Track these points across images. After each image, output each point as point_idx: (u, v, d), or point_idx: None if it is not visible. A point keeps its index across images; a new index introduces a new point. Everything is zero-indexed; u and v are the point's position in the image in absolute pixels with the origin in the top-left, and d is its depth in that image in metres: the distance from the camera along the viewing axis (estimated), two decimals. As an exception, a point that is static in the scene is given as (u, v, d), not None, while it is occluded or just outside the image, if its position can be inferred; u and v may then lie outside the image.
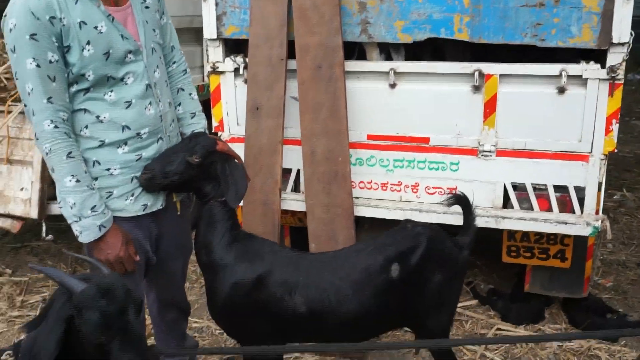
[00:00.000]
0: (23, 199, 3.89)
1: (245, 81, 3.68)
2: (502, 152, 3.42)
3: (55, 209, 3.91)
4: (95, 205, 2.28)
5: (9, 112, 3.92)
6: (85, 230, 2.29)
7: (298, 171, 3.71)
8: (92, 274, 1.88)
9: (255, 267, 2.44)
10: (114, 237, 2.32)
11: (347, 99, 3.49)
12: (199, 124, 2.70)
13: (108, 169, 2.36)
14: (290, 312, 2.41)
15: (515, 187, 3.43)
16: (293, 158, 3.65)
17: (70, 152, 2.24)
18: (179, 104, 2.67)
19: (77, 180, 2.25)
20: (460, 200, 2.68)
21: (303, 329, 2.44)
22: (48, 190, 3.90)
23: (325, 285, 2.42)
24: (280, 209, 3.56)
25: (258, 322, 2.46)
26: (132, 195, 2.41)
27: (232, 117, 3.78)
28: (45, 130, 2.20)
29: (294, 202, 3.66)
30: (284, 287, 2.41)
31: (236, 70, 3.72)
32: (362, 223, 3.76)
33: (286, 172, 3.70)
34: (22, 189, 3.90)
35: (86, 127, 2.31)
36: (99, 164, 2.35)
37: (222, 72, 3.76)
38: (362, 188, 3.66)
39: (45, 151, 2.24)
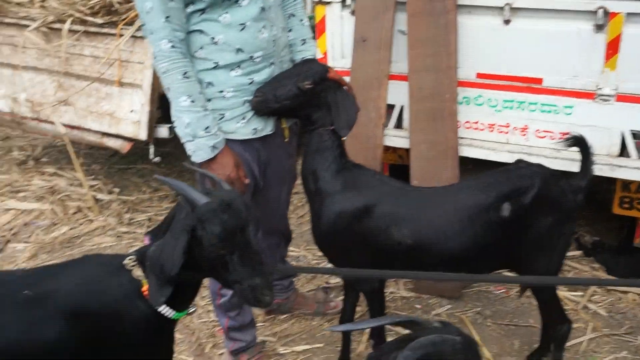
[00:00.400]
0: (133, 121, 4.04)
1: (353, 12, 3.61)
2: (623, 97, 3.19)
3: (162, 132, 4.05)
4: (208, 126, 2.33)
5: (121, 35, 4.04)
6: (198, 150, 2.35)
7: (401, 108, 3.64)
8: (214, 189, 1.93)
9: (363, 197, 2.43)
10: (226, 159, 2.37)
11: (458, 34, 3.35)
12: (309, 51, 2.68)
13: (221, 91, 2.39)
14: (394, 244, 2.40)
15: (634, 134, 3.23)
16: (397, 93, 3.58)
17: (186, 72, 2.28)
18: (290, 30, 2.65)
19: (192, 101, 2.30)
20: (579, 142, 2.54)
21: (405, 262, 2.43)
22: (156, 114, 4.03)
23: (433, 220, 2.39)
24: (382, 144, 3.52)
25: (361, 252, 2.48)
26: (244, 118, 2.44)
27: (336, 50, 3.74)
28: (163, 50, 2.25)
29: (396, 139, 3.62)
30: (390, 218, 2.40)
31: (343, 1, 3.65)
32: (465, 163, 3.67)
33: (389, 107, 3.64)
34: (132, 111, 4.05)
35: (201, 48, 2.34)
36: (213, 85, 2.38)
37: (328, 3, 3.69)
38: (467, 128, 3.55)
39: (162, 70, 2.29)
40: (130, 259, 1.97)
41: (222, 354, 3.03)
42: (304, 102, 2.44)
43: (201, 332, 3.23)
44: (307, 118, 2.51)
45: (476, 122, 3.52)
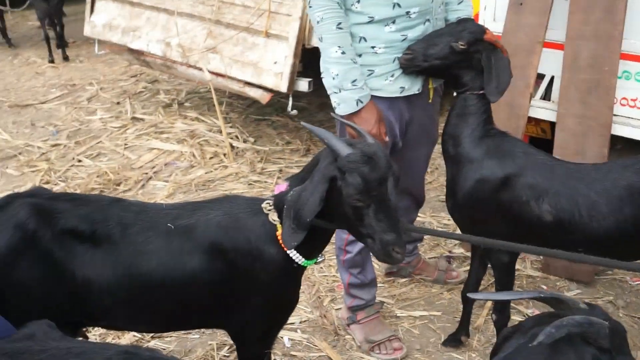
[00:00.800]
0: (275, 73, 4.11)
1: (510, -27, 3.40)
2: None
3: (302, 85, 4.09)
4: (356, 80, 2.31)
5: (272, -14, 4.10)
6: (343, 103, 2.34)
7: (552, 78, 3.42)
8: (357, 140, 1.92)
9: (505, 166, 2.32)
10: (369, 114, 2.35)
11: (629, 0, 3.06)
12: (465, 10, 2.57)
13: (373, 47, 2.36)
14: (533, 219, 2.28)
15: None
16: (549, 63, 3.36)
17: (339, 23, 2.27)
18: None
19: (343, 52, 2.29)
20: None
21: (543, 238, 2.30)
22: (298, 67, 4.08)
23: (579, 197, 2.23)
24: (527, 115, 3.34)
25: (496, 223, 2.37)
26: (392, 76, 2.40)
27: (489, 12, 3.56)
28: None
29: (541, 110, 3.41)
30: (532, 191, 2.27)
31: (501, -39, 3.46)
32: (614, 143, 3.39)
33: (538, 77, 3.43)
34: (275, 63, 4.12)
35: (358, 1, 2.31)
36: (365, 40, 2.36)
37: (484, -38, 3.52)
38: (623, 105, 3.27)
39: (317, 19, 2.29)
40: (267, 203, 2.02)
41: (339, 308, 3.07)
42: (456, 63, 2.36)
43: (321, 285, 3.29)
44: (456, 80, 2.42)
45: (634, 100, 3.23)
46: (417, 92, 2.46)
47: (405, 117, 2.52)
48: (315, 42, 3.84)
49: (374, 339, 2.81)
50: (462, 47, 2.30)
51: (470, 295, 1.68)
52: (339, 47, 2.28)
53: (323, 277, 3.35)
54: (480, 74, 2.34)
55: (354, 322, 2.87)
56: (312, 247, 2.01)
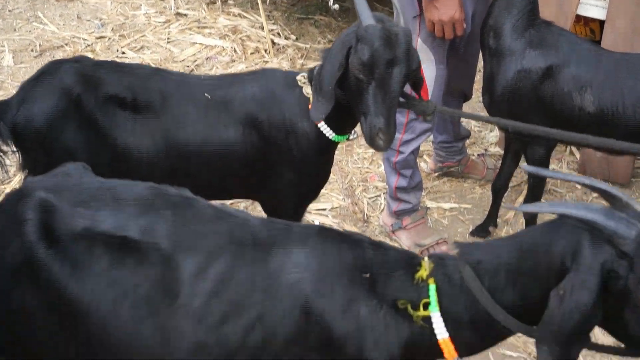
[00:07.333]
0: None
1: None
2: None
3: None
4: None
5: None
6: None
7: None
8: (389, 19, 1.89)
9: (548, 57, 2.27)
10: None
11: None
12: None
13: None
14: (575, 111, 2.25)
15: None
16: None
17: None
18: None
19: None
20: None
21: (584, 133, 2.28)
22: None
23: (625, 89, 2.18)
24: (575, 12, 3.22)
25: (536, 116, 2.34)
26: None
27: None
28: None
29: (592, 8, 3.26)
30: (575, 82, 2.23)
31: None
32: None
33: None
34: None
35: None
36: None
37: None
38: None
39: None
40: (302, 75, 2.06)
41: (371, 198, 3.15)
42: None
43: (354, 175, 3.36)
44: None
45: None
46: None
47: (471, 10, 2.48)
48: None
49: (423, 243, 2.82)
50: None
51: (515, 208, 1.66)
52: None
53: (357, 168, 3.41)
54: None
55: (400, 229, 2.87)
56: (342, 123, 2.04)
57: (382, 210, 3.03)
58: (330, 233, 1.42)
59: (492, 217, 2.85)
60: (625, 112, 2.19)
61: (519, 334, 1.31)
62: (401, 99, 1.93)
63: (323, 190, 3.13)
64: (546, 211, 1.32)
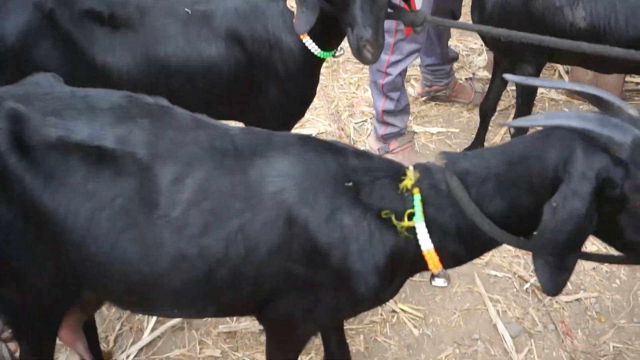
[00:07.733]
0: None
1: None
2: None
3: None
4: None
5: None
6: None
7: None
8: None
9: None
10: None
11: None
12: None
13: None
14: (566, 27, 2.19)
15: None
16: None
17: None
18: None
19: None
20: None
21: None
22: None
23: (617, 2, 2.11)
24: None
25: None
26: None
27: None
28: None
29: None
30: (566, -3, 2.16)
31: None
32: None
33: None
34: None
35: None
36: None
37: None
38: None
39: None
40: None
41: (357, 122, 3.10)
42: None
43: (340, 100, 3.30)
44: None
45: None
46: None
47: None
48: None
49: None
50: None
51: (505, 123, 1.62)
52: None
53: (342, 93, 3.35)
54: None
55: (386, 153, 2.83)
56: (328, 38, 1.97)
57: (369, 134, 2.98)
58: (313, 141, 1.38)
59: (479, 140, 2.83)
60: (617, 26, 2.13)
61: (505, 254, 1.30)
62: (389, 10, 1.86)
63: (309, 116, 3.10)
64: (540, 124, 1.28)
